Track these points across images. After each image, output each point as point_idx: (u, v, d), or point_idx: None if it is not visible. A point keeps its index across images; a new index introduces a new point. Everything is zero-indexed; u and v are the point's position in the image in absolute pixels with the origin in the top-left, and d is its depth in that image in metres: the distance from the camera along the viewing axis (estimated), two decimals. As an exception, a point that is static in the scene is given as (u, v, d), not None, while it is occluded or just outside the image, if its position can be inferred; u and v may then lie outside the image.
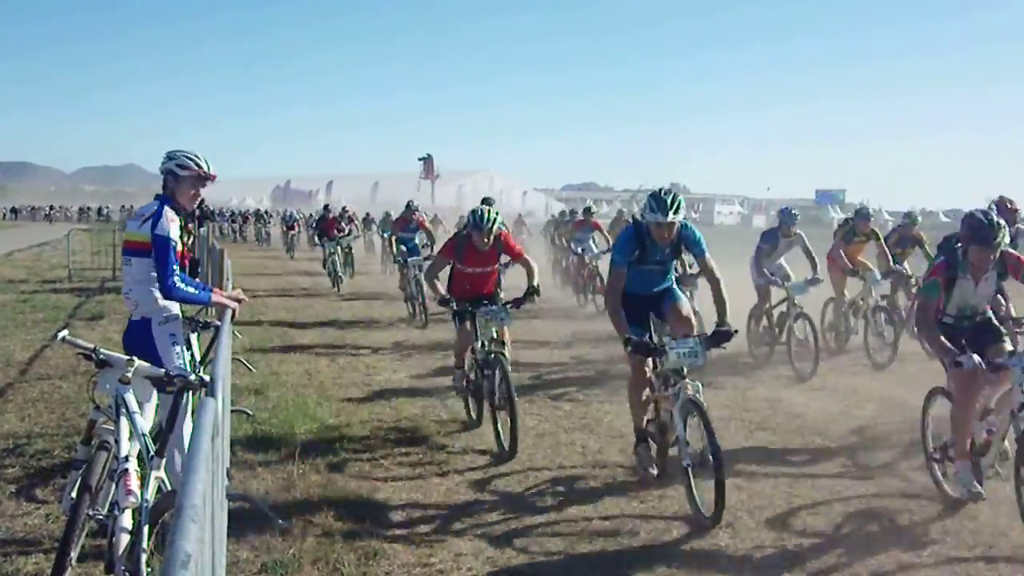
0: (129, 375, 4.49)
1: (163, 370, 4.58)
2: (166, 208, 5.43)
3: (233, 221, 57.45)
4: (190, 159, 5.53)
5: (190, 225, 20.36)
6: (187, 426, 5.17)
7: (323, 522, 5.81)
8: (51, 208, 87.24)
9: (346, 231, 25.77)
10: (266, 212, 58.13)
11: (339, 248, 22.79)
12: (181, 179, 5.54)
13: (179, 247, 5.51)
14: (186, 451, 4.73)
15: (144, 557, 3.84)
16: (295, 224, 39.46)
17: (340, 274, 21.79)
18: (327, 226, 24.00)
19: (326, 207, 24.99)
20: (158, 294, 5.45)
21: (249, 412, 8.26)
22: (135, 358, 4.69)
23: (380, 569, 5.18)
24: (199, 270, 18.34)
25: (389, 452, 7.50)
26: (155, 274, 5.41)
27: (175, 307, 5.61)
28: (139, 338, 5.44)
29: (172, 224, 5.38)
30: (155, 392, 4.83)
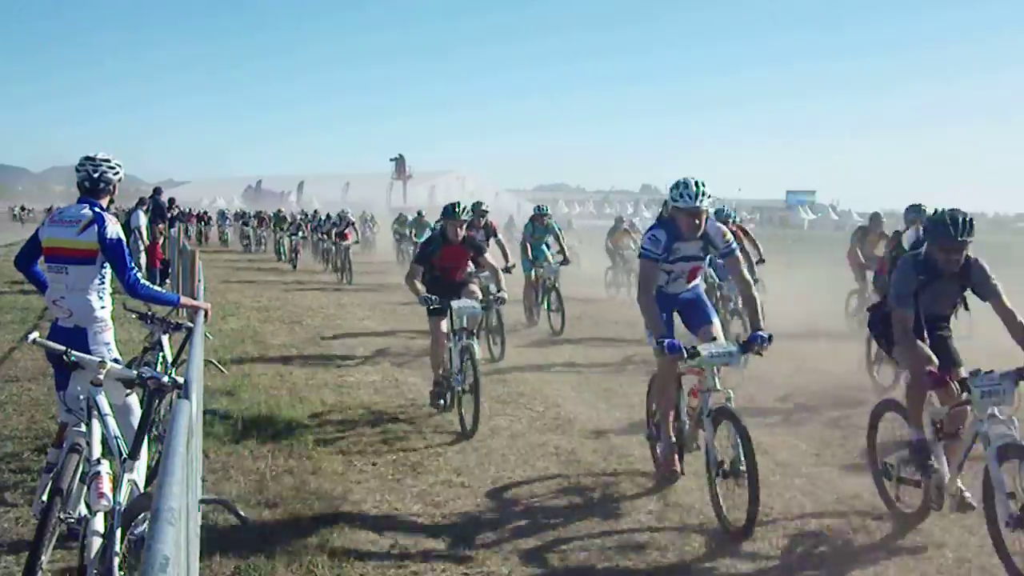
0: (101, 377, 4.46)
1: (135, 372, 4.56)
2: (106, 213, 5.46)
3: (245, 224, 42.86)
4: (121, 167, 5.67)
5: (160, 226, 20.37)
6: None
7: (296, 524, 5.81)
8: (23, 208, 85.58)
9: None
10: (280, 214, 39.22)
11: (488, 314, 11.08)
12: (117, 186, 5.66)
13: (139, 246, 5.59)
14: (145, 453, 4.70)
15: (116, 560, 3.82)
16: (349, 230, 26.35)
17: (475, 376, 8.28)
18: (453, 259, 9.29)
19: (454, 209, 9.01)
20: (96, 302, 5.39)
21: (221, 414, 8.23)
22: (107, 360, 4.67)
23: (354, 571, 5.17)
24: (169, 271, 18.35)
25: (362, 453, 7.49)
26: (98, 281, 5.41)
27: (108, 316, 5.54)
28: (71, 345, 4.94)
29: (117, 226, 5.44)
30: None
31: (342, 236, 25.80)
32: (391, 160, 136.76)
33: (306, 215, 41.42)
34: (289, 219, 37.03)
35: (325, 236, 29.21)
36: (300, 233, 33.04)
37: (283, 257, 32.84)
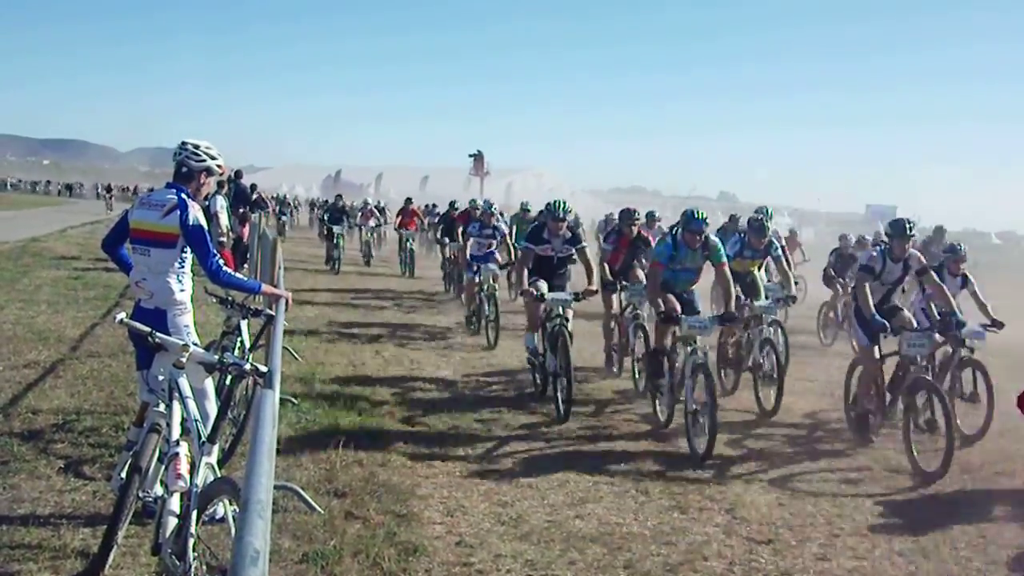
0: (183, 360, 4.52)
1: (217, 357, 4.61)
2: (191, 200, 5.42)
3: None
4: (220, 159, 5.63)
5: (242, 210, 20.60)
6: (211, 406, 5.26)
7: (364, 515, 5.83)
8: (123, 189, 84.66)
9: None
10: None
11: None
12: (212, 174, 5.63)
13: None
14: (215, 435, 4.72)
15: (191, 541, 3.87)
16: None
17: None
18: None
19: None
20: (175, 285, 5.42)
21: (294, 401, 8.31)
22: (190, 343, 4.73)
23: (420, 566, 5.17)
24: (248, 256, 18.57)
25: (432, 448, 7.50)
26: (177, 264, 5.41)
27: (188, 299, 5.59)
28: (151, 326, 5.00)
29: (200, 212, 5.42)
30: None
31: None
32: (470, 156, 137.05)
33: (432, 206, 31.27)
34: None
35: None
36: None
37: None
